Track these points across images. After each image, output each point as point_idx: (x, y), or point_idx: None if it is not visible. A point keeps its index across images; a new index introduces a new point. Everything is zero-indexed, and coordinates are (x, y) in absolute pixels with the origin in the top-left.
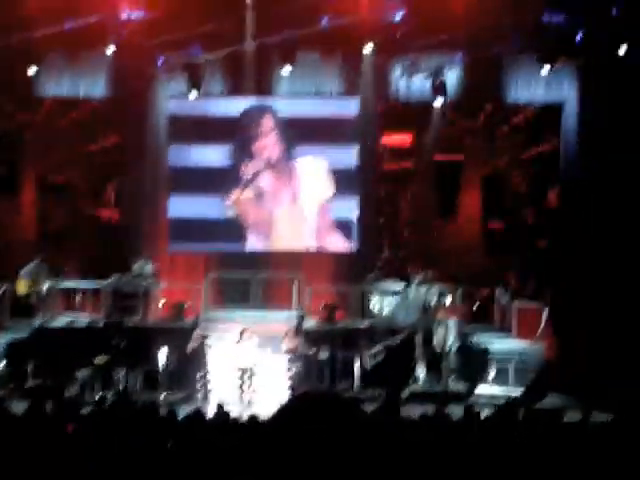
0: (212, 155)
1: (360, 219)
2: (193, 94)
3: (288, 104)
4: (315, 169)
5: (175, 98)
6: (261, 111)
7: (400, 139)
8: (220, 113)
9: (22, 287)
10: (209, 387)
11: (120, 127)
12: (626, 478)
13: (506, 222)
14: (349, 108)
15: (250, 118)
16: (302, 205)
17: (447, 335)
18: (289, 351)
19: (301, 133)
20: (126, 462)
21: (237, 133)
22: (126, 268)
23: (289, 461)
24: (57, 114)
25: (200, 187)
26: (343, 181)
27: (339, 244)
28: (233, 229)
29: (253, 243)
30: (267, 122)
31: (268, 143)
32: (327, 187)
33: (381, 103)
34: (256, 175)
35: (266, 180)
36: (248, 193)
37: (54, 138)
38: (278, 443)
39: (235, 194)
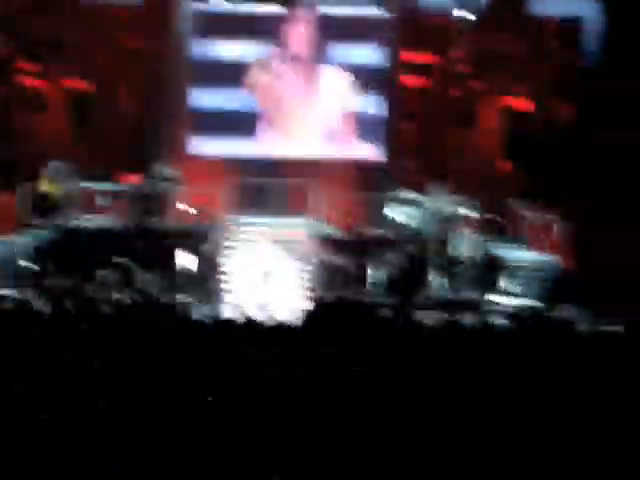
0: (237, 49)
1: (386, 120)
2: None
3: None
4: (340, 78)
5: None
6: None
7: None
8: (246, 10)
9: (44, 185)
10: (227, 289)
11: (145, 27)
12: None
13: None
14: (377, 11)
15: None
16: (322, 107)
17: (462, 245)
18: (305, 256)
19: (331, 31)
20: (142, 361)
21: (266, 27)
22: (147, 169)
23: (311, 366)
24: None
25: (222, 80)
26: (371, 80)
27: (360, 151)
28: (251, 121)
29: (266, 136)
30: (300, 15)
31: (299, 35)
32: (350, 97)
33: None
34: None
35: (289, 70)
36: (268, 76)
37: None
38: (305, 346)
39: (254, 75)
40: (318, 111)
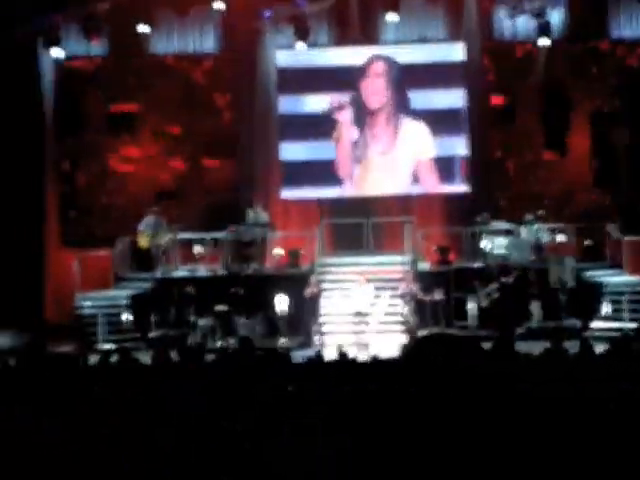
0: (321, 103)
1: (470, 159)
2: (300, 45)
3: (394, 52)
4: (418, 130)
5: (283, 49)
6: (371, 58)
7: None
8: (327, 63)
9: (143, 241)
10: (326, 331)
11: (231, 82)
12: None
13: (613, 158)
14: (455, 53)
15: (362, 65)
16: (399, 159)
17: (562, 272)
18: (404, 294)
19: (409, 80)
20: (249, 405)
21: (346, 80)
22: (242, 218)
23: (411, 401)
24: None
25: (309, 133)
26: (451, 122)
27: (442, 189)
28: (336, 170)
29: (347, 186)
30: (377, 67)
31: (377, 88)
32: (428, 148)
33: (486, 45)
34: (348, 114)
35: (367, 125)
36: (348, 134)
37: (169, 96)
38: (401, 382)
39: (337, 133)
40: (399, 160)
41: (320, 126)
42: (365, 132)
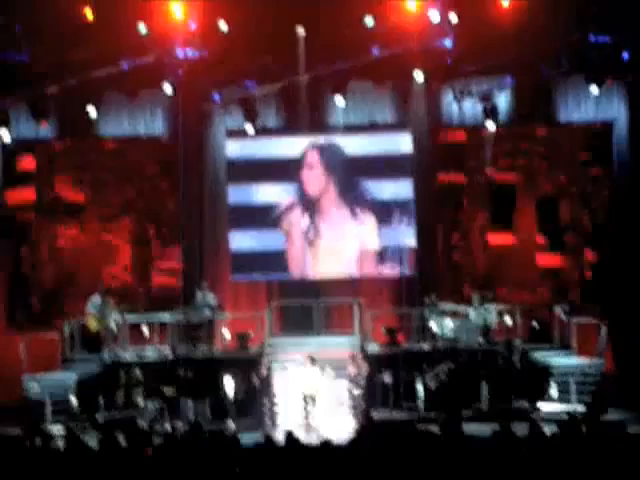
0: (269, 193)
1: (418, 245)
2: (249, 128)
3: (343, 143)
4: (364, 222)
5: (233, 135)
6: (306, 148)
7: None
8: (275, 153)
9: (93, 324)
10: (276, 414)
11: (179, 166)
12: None
13: (560, 242)
14: (403, 143)
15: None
16: (345, 245)
17: (508, 353)
18: (353, 375)
19: (358, 169)
20: None
21: (292, 170)
22: (189, 300)
23: None
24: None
25: (258, 223)
26: (400, 212)
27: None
28: (284, 259)
29: (297, 273)
30: (311, 157)
31: (314, 176)
32: (372, 240)
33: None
34: (298, 208)
35: (315, 212)
36: (298, 228)
37: (116, 178)
38: (352, 467)
39: (285, 225)
40: (345, 246)
41: (269, 216)
42: (314, 219)
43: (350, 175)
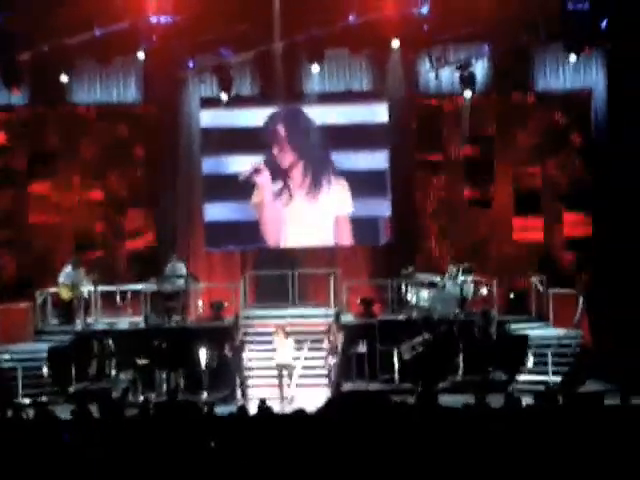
0: (244, 163)
1: (394, 216)
2: (224, 96)
3: (319, 112)
4: (337, 188)
5: (207, 103)
6: (275, 120)
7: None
8: (249, 123)
9: (65, 293)
10: (249, 385)
11: (153, 134)
12: None
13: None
14: (379, 114)
15: (267, 126)
16: (320, 213)
17: (485, 325)
18: (329, 347)
19: (333, 140)
20: (171, 462)
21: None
22: (162, 270)
23: (332, 453)
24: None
25: (233, 194)
26: (375, 182)
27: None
28: (258, 231)
29: (272, 243)
30: (280, 132)
31: (282, 148)
32: (345, 205)
33: (410, 99)
34: (266, 173)
35: (287, 182)
36: (265, 196)
37: (90, 146)
38: (323, 436)
39: (255, 197)
40: (320, 214)
41: (243, 187)
42: (287, 189)
43: (321, 145)
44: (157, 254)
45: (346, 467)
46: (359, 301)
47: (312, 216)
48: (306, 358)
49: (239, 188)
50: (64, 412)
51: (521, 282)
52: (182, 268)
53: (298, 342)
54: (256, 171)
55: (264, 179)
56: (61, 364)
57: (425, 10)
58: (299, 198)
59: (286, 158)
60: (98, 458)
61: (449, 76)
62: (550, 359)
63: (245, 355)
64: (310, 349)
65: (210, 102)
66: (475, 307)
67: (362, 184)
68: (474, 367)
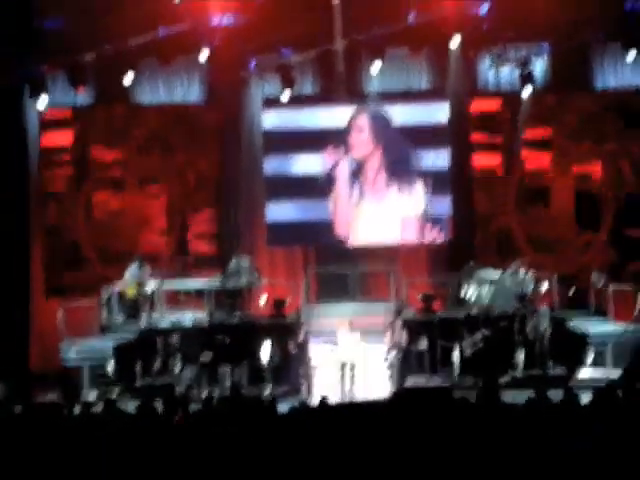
0: (308, 163)
1: (455, 214)
2: (286, 95)
3: (380, 111)
4: (410, 187)
5: (269, 103)
6: (355, 112)
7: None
8: (313, 125)
9: (130, 290)
10: (312, 381)
11: (216, 134)
12: None
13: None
14: (440, 113)
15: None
16: (388, 212)
17: (540, 322)
18: (390, 343)
19: (401, 137)
20: (232, 456)
21: (333, 140)
22: (225, 267)
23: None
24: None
25: (297, 193)
26: (437, 181)
27: (434, 236)
28: (325, 230)
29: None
30: (360, 120)
31: (361, 140)
32: (417, 205)
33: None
34: (344, 167)
35: (360, 179)
36: (346, 190)
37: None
38: (384, 432)
39: (335, 192)
40: (389, 213)
41: (310, 186)
42: (359, 181)
43: (396, 144)
44: (220, 251)
45: (407, 463)
46: (420, 297)
47: (381, 214)
48: (368, 354)
49: (303, 188)
50: (129, 408)
51: (581, 278)
52: (248, 263)
53: (361, 338)
54: (337, 163)
55: (343, 171)
56: (126, 360)
57: (485, 8)
58: (370, 197)
59: (364, 149)
60: (163, 451)
61: (509, 74)
62: (609, 355)
63: (307, 350)
64: (372, 345)
65: (272, 102)
66: (536, 303)
67: (426, 182)
68: (534, 363)
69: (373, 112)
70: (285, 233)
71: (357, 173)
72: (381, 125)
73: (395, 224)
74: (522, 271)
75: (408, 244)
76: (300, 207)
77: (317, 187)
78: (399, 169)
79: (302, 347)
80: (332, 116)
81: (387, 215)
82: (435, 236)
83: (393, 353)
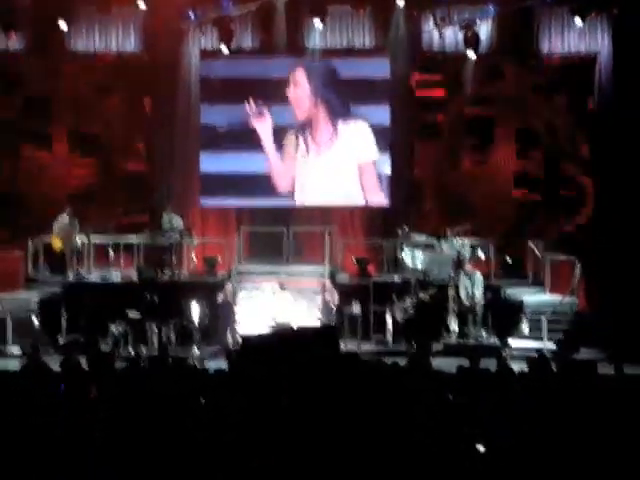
0: (243, 115)
1: (393, 174)
2: (224, 49)
3: (319, 65)
4: (356, 131)
5: (206, 55)
6: (293, 66)
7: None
8: (252, 74)
9: (57, 243)
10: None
11: (152, 85)
12: None
13: (540, 175)
14: (381, 69)
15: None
16: (340, 164)
17: (473, 289)
18: (323, 305)
19: (335, 92)
20: (160, 416)
21: (271, 91)
22: (157, 223)
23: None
24: (88, 71)
25: (232, 144)
26: (377, 138)
27: (381, 201)
28: (264, 184)
29: (282, 197)
30: (298, 75)
31: (301, 96)
32: (367, 150)
33: (413, 57)
34: (288, 129)
35: (305, 134)
36: (270, 145)
37: (84, 94)
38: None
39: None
40: (335, 165)
41: (244, 138)
42: (304, 142)
43: (337, 88)
44: (151, 206)
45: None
46: (354, 260)
47: (331, 171)
48: (301, 315)
49: (240, 138)
50: (53, 364)
51: (518, 246)
52: (178, 221)
53: (294, 299)
54: (258, 114)
55: (266, 127)
56: (51, 314)
57: None
58: (317, 150)
59: (302, 108)
60: (88, 411)
61: (452, 36)
62: (545, 325)
63: (238, 310)
64: (305, 307)
65: (210, 54)
66: (471, 270)
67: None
68: (468, 331)
69: (312, 67)
70: (219, 185)
71: (301, 128)
72: (322, 80)
73: (345, 182)
74: (458, 238)
75: (346, 206)
76: (235, 158)
77: (254, 139)
78: (343, 119)
79: (231, 307)
80: (271, 66)
81: (336, 172)
82: (380, 199)
83: (325, 316)
